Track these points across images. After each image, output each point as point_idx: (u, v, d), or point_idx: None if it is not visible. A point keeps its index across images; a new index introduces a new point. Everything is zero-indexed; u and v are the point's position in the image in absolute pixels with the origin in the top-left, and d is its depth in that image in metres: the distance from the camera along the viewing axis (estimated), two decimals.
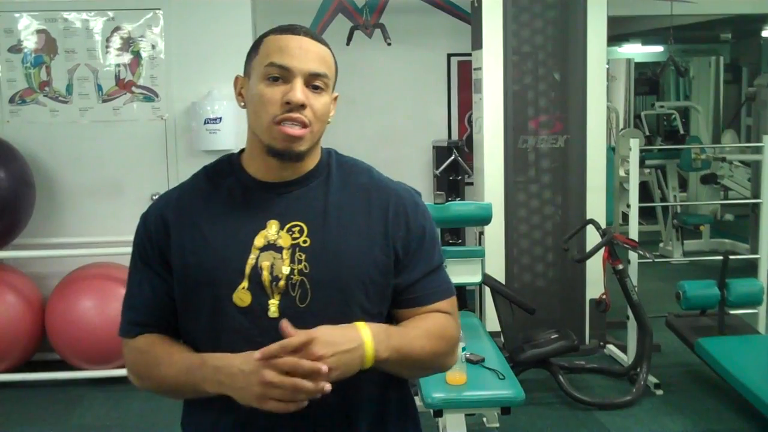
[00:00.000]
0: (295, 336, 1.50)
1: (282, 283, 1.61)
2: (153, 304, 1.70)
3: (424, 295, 1.72)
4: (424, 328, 1.68)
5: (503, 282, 5.25)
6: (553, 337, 4.73)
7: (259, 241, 1.63)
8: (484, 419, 4.32)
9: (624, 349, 5.27)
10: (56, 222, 5.39)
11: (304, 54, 1.63)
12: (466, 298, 5.89)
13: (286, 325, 1.52)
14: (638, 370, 4.82)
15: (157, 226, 1.70)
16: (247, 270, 1.61)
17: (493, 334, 4.51)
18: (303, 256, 1.62)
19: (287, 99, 1.60)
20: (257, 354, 1.49)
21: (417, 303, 1.72)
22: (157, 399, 4.69)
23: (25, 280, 5.16)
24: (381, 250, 1.67)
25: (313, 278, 1.62)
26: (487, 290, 5.06)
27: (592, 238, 5.24)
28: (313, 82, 1.64)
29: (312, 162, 1.72)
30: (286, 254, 1.62)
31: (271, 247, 1.63)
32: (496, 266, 5.34)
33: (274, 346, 1.49)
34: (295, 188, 1.69)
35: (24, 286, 5.11)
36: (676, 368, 5.22)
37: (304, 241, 1.63)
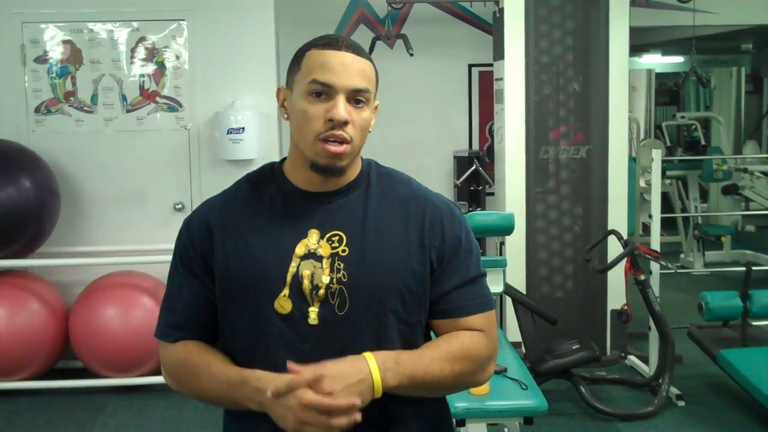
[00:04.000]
0: (304, 373, 1.53)
1: (322, 291, 1.64)
2: (193, 308, 1.73)
3: (458, 307, 1.73)
4: (445, 350, 1.68)
5: (524, 293, 5.24)
6: (574, 347, 4.72)
7: (300, 249, 1.66)
8: (506, 429, 4.33)
9: (646, 360, 5.25)
10: (81, 231, 5.44)
11: (346, 70, 1.64)
12: None
13: (292, 365, 1.54)
14: (660, 381, 4.80)
15: (201, 231, 1.72)
16: (289, 278, 1.64)
17: (514, 345, 4.51)
18: (342, 265, 1.65)
19: (330, 116, 1.63)
20: (268, 392, 1.52)
21: (450, 314, 1.73)
22: (178, 407, 4.74)
23: (50, 288, 5.20)
24: (417, 260, 1.69)
25: (352, 287, 1.64)
26: (509, 300, 5.07)
27: (614, 248, 5.24)
28: (355, 97, 1.65)
29: (353, 173, 1.75)
30: (326, 263, 1.65)
31: (311, 255, 1.66)
32: (517, 277, 5.33)
33: (282, 384, 1.52)
34: (335, 198, 1.71)
35: (48, 294, 5.15)
36: (699, 380, 5.20)
37: (343, 251, 1.66)
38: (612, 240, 5.24)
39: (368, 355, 1.60)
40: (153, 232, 5.43)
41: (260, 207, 1.72)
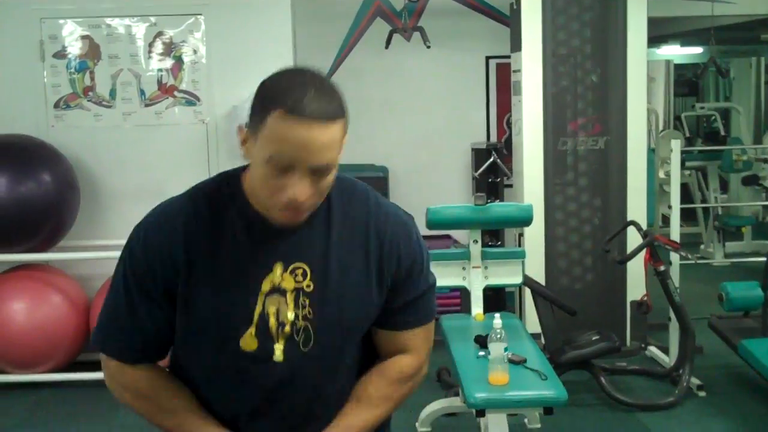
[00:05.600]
0: None
1: (287, 328, 1.64)
2: (150, 332, 1.70)
3: (400, 322, 1.77)
4: (382, 394, 1.76)
5: (543, 284, 5.23)
6: (594, 338, 4.71)
7: (266, 285, 1.64)
8: (526, 420, 4.34)
9: (666, 351, 5.23)
10: (100, 224, 5.47)
11: (310, 146, 1.53)
12: (506, 299, 5.89)
13: None
14: (681, 371, 4.79)
15: (164, 260, 1.65)
16: (255, 317, 1.63)
17: (533, 336, 4.50)
18: (307, 301, 1.64)
19: (288, 198, 1.56)
20: None
21: (390, 327, 1.77)
22: None
23: (70, 281, 5.24)
24: (377, 291, 1.71)
25: (317, 324, 1.65)
26: (528, 292, 5.06)
27: (633, 239, 5.21)
28: (318, 171, 1.57)
29: None
30: (290, 298, 1.63)
31: (276, 290, 1.64)
32: (536, 268, 5.32)
33: None
34: (298, 228, 1.66)
35: (69, 287, 5.18)
36: (719, 370, 5.18)
37: (308, 286, 1.64)
38: (631, 231, 5.22)
39: None
40: None
41: (223, 238, 1.66)
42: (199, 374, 1.71)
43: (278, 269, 1.64)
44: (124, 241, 5.66)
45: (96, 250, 5.29)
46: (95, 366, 5.31)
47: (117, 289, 1.71)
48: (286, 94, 1.53)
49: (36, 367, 5.04)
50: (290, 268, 1.64)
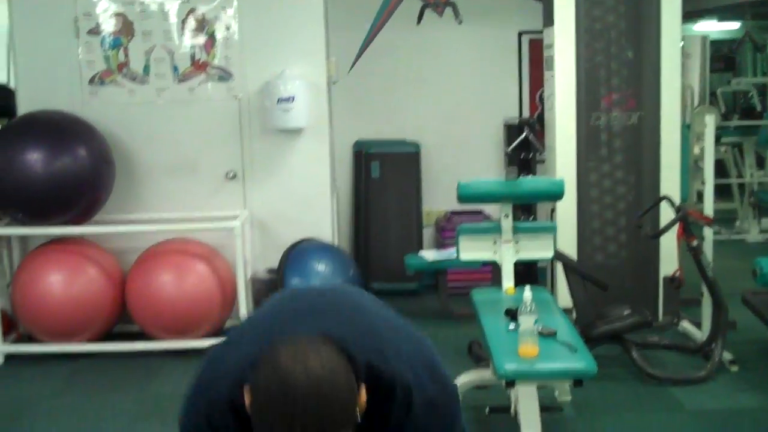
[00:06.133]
0: None
1: None
2: None
3: None
4: None
5: (575, 260, 5.22)
6: (626, 313, 4.71)
7: None
8: (556, 393, 4.34)
9: (698, 326, 5.20)
10: (135, 199, 5.54)
11: None
12: (537, 274, 5.88)
13: None
14: (713, 346, 4.76)
15: None
16: None
17: (565, 311, 4.50)
18: None
19: None
20: None
21: None
22: None
23: (106, 255, 5.32)
24: None
25: None
26: (560, 267, 5.06)
27: (666, 216, 5.18)
28: None
29: None
30: None
31: None
32: (569, 244, 5.31)
33: None
34: None
35: (105, 260, 5.26)
36: (752, 345, 5.15)
37: None
38: (665, 207, 5.19)
39: None
40: (205, 200, 5.52)
41: None
42: None
43: None
44: (157, 215, 5.72)
45: (131, 224, 5.36)
46: (130, 337, 5.46)
47: None
48: (273, 425, 1.44)
49: (73, 338, 5.14)
50: None
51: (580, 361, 3.47)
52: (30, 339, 5.34)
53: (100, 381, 4.89)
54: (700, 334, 5.12)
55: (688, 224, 4.90)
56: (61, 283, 5.06)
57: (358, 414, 1.50)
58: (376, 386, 1.62)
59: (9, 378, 4.96)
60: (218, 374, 1.61)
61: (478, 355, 4.89)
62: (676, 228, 4.93)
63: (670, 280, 5.14)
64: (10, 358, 5.17)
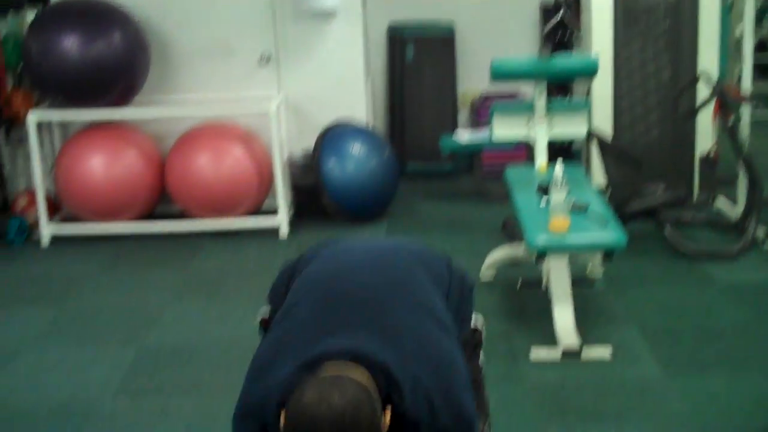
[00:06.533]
0: None
1: None
2: None
3: None
4: None
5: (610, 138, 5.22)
6: (660, 190, 4.73)
7: None
8: (589, 266, 4.42)
9: (733, 204, 5.21)
10: (171, 83, 5.57)
11: None
12: (572, 155, 5.89)
13: None
14: (747, 222, 4.78)
15: None
16: None
17: (600, 190, 4.53)
18: None
19: None
20: None
21: None
22: (270, 247, 4.99)
23: (145, 138, 5.40)
24: None
25: None
26: (595, 146, 5.06)
27: (704, 95, 5.13)
28: None
29: None
30: None
31: None
32: (604, 123, 5.30)
33: None
34: None
35: (144, 143, 5.36)
36: None
37: None
38: (702, 87, 5.13)
39: None
40: (239, 82, 5.54)
41: None
42: None
43: None
44: (193, 98, 5.79)
45: (168, 106, 5.42)
46: (171, 217, 5.59)
47: None
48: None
49: (115, 219, 5.28)
50: None
51: (611, 234, 3.52)
52: (74, 221, 5.50)
53: (144, 259, 5.05)
54: (735, 212, 5.13)
55: (725, 101, 4.86)
56: (102, 166, 5.17)
57: None
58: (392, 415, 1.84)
59: (56, 258, 5.13)
60: (265, 391, 1.87)
61: (511, 232, 4.96)
62: (712, 106, 4.89)
63: (706, 159, 5.13)
64: (56, 239, 5.33)
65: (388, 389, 1.82)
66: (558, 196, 3.53)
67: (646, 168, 5.01)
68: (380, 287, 2.08)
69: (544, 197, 3.84)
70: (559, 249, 3.58)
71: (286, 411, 1.73)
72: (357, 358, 1.81)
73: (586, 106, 4.46)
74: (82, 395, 3.44)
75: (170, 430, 3.17)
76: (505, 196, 5.23)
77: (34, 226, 5.35)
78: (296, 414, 1.69)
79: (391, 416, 1.81)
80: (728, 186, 5.39)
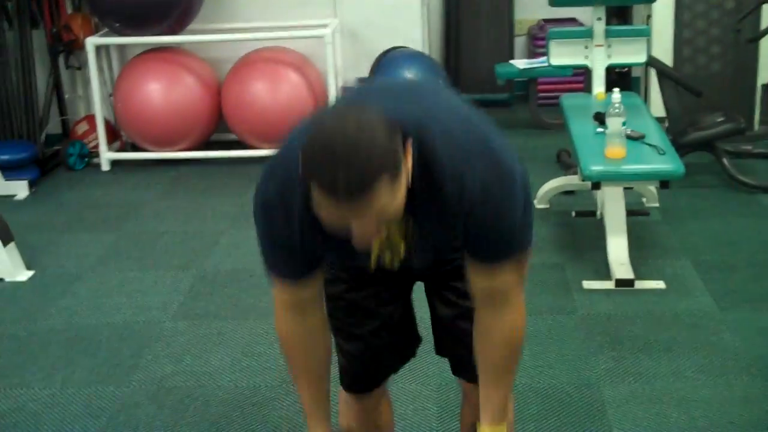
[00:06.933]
0: None
1: (402, 255, 1.76)
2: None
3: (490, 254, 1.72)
4: (505, 378, 1.86)
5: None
6: (719, 120, 4.64)
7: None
8: (644, 199, 4.39)
9: None
10: (227, 8, 5.57)
11: (354, 219, 1.48)
12: (631, 83, 5.79)
13: None
14: None
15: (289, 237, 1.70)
16: (372, 263, 1.76)
17: (658, 120, 4.46)
18: (416, 233, 1.70)
19: (354, 241, 1.54)
20: None
21: (478, 259, 1.72)
22: None
23: (202, 63, 5.42)
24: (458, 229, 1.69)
25: (423, 244, 1.74)
26: (654, 75, 4.98)
27: None
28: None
29: None
30: (398, 238, 1.72)
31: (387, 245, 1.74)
32: (664, 50, 5.19)
33: None
34: None
35: (201, 69, 5.38)
36: None
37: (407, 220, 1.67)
38: (766, 12, 5.00)
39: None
40: (296, 8, 5.51)
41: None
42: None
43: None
44: (249, 24, 5.80)
45: (225, 32, 5.44)
46: (227, 145, 5.66)
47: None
48: (318, 172, 1.45)
49: (173, 145, 5.35)
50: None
51: (667, 163, 3.48)
52: (133, 147, 5.59)
53: (201, 186, 5.12)
54: None
55: None
56: (159, 92, 5.21)
57: (402, 168, 1.50)
58: (424, 163, 1.61)
59: (115, 183, 5.24)
60: (292, 153, 1.60)
61: (566, 162, 4.93)
62: None
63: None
64: (115, 163, 5.43)
65: (415, 132, 1.59)
66: (615, 123, 3.50)
67: (705, 98, 4.92)
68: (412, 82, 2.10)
69: (600, 125, 3.80)
70: (614, 177, 3.55)
71: (302, 148, 1.51)
72: (380, 108, 1.56)
73: (645, 32, 4.36)
74: (142, 318, 3.54)
75: (227, 351, 3.26)
76: (560, 126, 5.19)
77: (95, 151, 5.44)
78: (312, 138, 1.48)
79: (419, 160, 1.58)
80: None
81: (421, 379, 2.96)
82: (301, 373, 1.91)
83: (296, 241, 1.68)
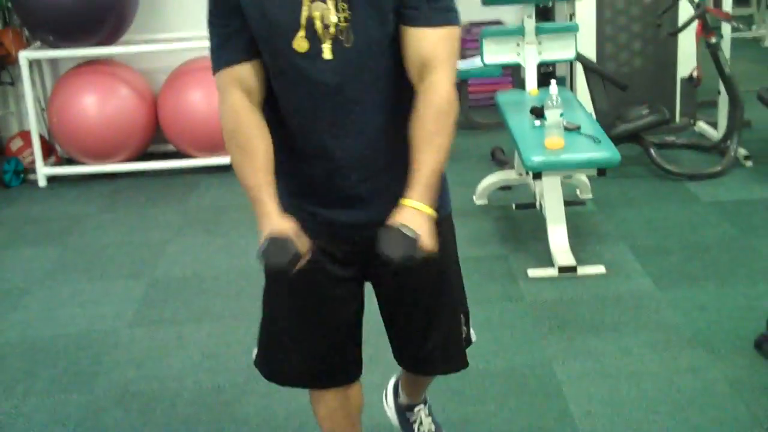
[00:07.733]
0: None
1: (332, 29, 1.82)
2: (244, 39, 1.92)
3: (417, 16, 1.84)
4: (434, 127, 1.87)
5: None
6: (644, 112, 4.84)
7: None
8: (578, 191, 4.56)
9: (714, 126, 5.34)
10: (160, 19, 5.59)
11: None
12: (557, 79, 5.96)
13: None
14: (728, 142, 4.92)
15: None
16: (303, 21, 1.81)
17: None
18: (345, 6, 1.80)
19: None
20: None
21: (408, 23, 1.85)
22: None
23: (136, 75, 5.42)
24: None
25: (355, 24, 1.82)
26: (579, 71, 5.16)
27: (686, 16, 5.21)
28: None
29: None
30: (330, 4, 1.80)
31: None
32: (588, 46, 5.37)
33: None
34: None
35: (136, 80, 5.38)
36: (767, 142, 5.30)
37: None
38: (684, 8, 5.22)
39: (417, 208, 1.83)
40: None
41: None
42: (275, 85, 1.93)
43: None
44: (183, 34, 5.77)
45: (157, 43, 5.44)
46: (166, 156, 5.63)
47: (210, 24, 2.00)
48: None
49: (110, 158, 5.33)
50: None
51: (604, 151, 3.65)
52: (69, 162, 5.55)
53: (142, 197, 5.12)
54: (716, 134, 5.26)
55: (707, 21, 4.95)
56: (95, 105, 5.20)
57: None
58: None
59: (54, 198, 5.20)
60: None
61: (500, 159, 5.09)
62: (694, 27, 4.98)
63: (689, 79, 5.23)
64: (52, 179, 5.40)
65: None
66: (553, 114, 3.64)
67: (630, 92, 5.12)
68: None
69: (537, 119, 3.95)
70: (555, 167, 3.70)
71: None
72: None
73: (574, 28, 4.52)
74: (98, 327, 3.55)
75: (188, 354, 3.29)
76: (492, 126, 5.34)
77: (30, 167, 5.40)
78: None
79: None
80: (709, 109, 5.51)
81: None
82: (246, 159, 1.91)
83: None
